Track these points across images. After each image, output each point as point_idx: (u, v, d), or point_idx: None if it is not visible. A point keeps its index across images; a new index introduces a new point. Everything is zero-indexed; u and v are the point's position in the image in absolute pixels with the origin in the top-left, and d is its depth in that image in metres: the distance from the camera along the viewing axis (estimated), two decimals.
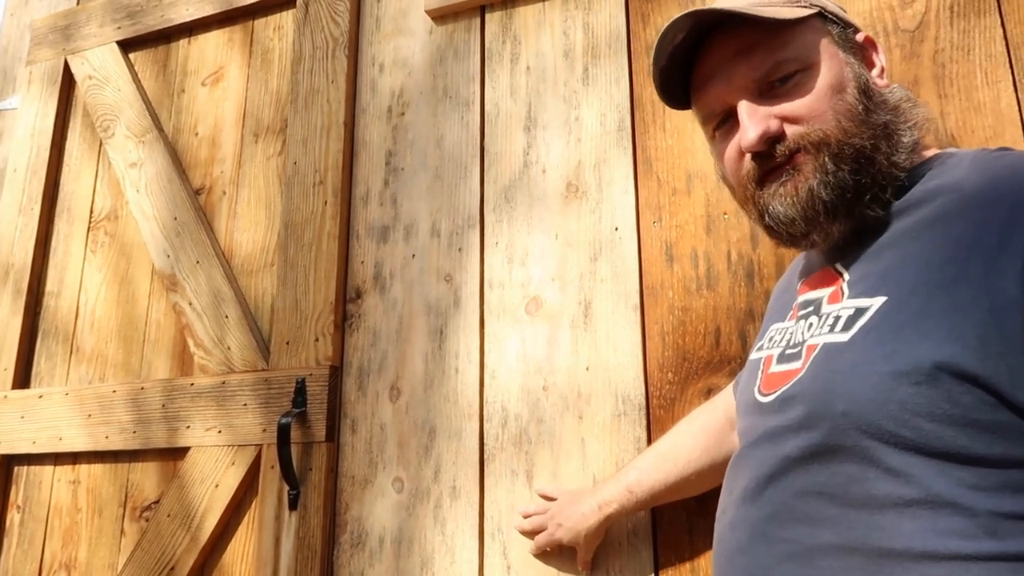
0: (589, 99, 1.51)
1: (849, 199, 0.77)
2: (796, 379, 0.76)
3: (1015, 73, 1.21)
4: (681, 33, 0.83)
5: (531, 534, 1.31)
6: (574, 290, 1.42)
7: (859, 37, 0.87)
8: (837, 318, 0.75)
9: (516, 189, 1.53)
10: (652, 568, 1.25)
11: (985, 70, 1.23)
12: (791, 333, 0.84)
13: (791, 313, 0.88)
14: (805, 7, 0.84)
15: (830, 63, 0.82)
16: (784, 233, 0.82)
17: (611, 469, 1.30)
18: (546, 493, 1.32)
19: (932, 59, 1.26)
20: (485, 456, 1.41)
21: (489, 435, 1.42)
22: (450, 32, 1.67)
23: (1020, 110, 1.19)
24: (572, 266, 1.44)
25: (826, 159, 0.77)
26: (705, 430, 1.12)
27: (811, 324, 0.80)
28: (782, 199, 0.79)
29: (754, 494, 0.76)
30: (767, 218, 0.82)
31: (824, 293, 0.81)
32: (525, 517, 1.32)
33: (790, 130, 0.79)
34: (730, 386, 1.16)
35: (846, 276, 0.79)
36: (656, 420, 1.30)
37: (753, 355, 0.94)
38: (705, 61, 0.86)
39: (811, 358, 0.75)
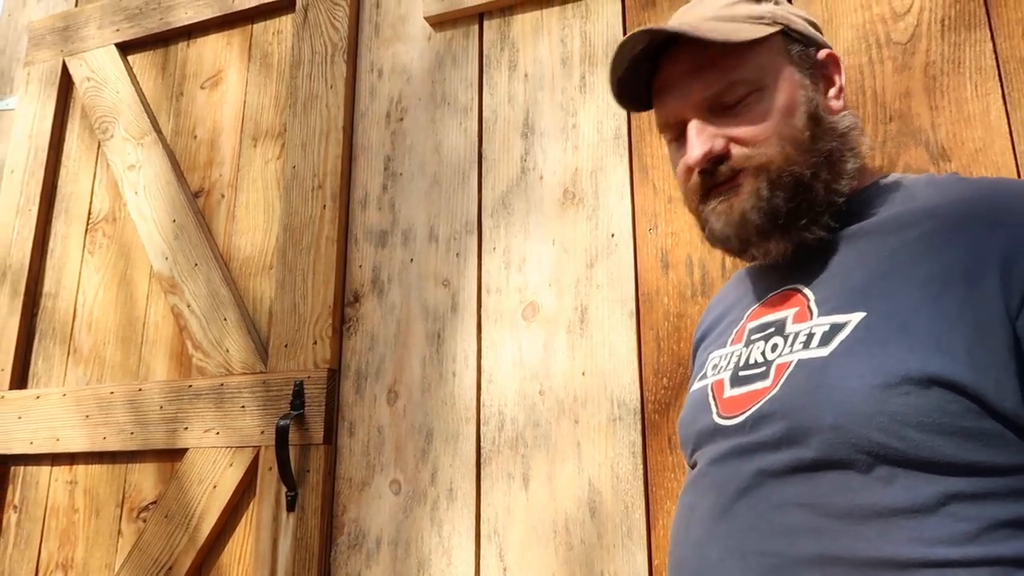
0: (586, 107, 1.52)
1: (781, 224, 0.80)
2: (768, 397, 0.76)
3: (1004, 86, 1.23)
4: (640, 45, 0.85)
5: None
6: (570, 296, 1.44)
7: (821, 55, 0.86)
8: (811, 335, 0.75)
9: (514, 195, 1.54)
10: (647, 571, 1.27)
11: (975, 83, 1.25)
12: (740, 356, 0.83)
13: (733, 338, 0.88)
14: (767, 24, 0.84)
15: (783, 85, 0.83)
16: (721, 247, 0.86)
17: (606, 473, 1.32)
18: None
19: (924, 71, 1.29)
20: (482, 459, 1.43)
21: (486, 438, 1.44)
22: (448, 39, 1.69)
23: (1009, 122, 1.22)
24: (569, 272, 1.45)
25: (763, 184, 0.80)
26: None
27: (775, 344, 0.79)
28: (719, 216, 0.83)
29: (723, 510, 0.75)
30: (707, 231, 0.86)
31: (787, 313, 0.81)
32: None
33: (735, 151, 0.81)
34: None
35: (812, 296, 0.79)
36: (651, 425, 1.32)
37: (695, 385, 0.92)
38: (664, 71, 0.87)
39: (784, 375, 0.75)
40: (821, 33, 0.91)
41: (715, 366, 0.88)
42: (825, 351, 0.72)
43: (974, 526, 0.63)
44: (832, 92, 0.86)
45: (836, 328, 0.73)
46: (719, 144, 0.82)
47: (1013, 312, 0.64)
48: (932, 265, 0.69)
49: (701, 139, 0.82)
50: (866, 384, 0.68)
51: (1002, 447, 0.64)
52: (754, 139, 0.81)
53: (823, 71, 0.86)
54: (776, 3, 0.87)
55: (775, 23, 0.84)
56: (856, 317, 0.72)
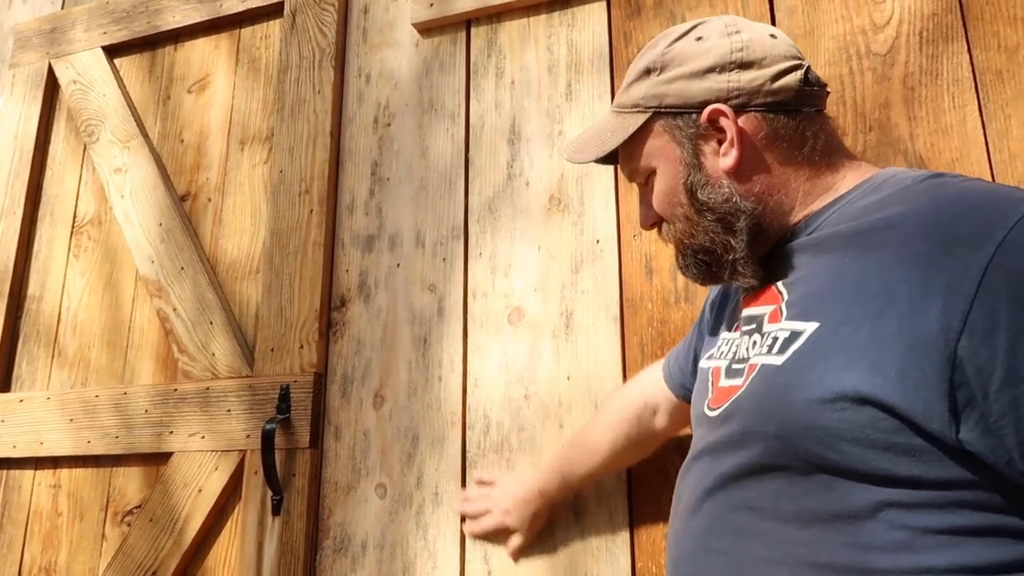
0: (572, 114, 1.54)
1: (713, 271, 0.88)
2: (736, 396, 0.81)
3: (980, 97, 1.26)
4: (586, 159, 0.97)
5: (473, 516, 1.38)
6: (556, 301, 1.45)
7: (704, 115, 0.84)
8: (775, 339, 0.78)
9: (500, 201, 1.56)
10: (630, 574, 1.28)
11: (952, 94, 1.28)
12: (738, 347, 0.87)
13: (736, 324, 0.91)
14: (640, 111, 0.89)
15: (666, 167, 0.89)
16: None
17: None
18: (484, 479, 1.40)
19: (902, 83, 1.31)
20: (467, 463, 1.44)
21: (471, 442, 1.45)
22: (436, 45, 1.70)
23: (985, 133, 1.25)
24: (554, 278, 1.47)
25: (678, 252, 0.91)
26: (623, 419, 1.21)
27: (755, 342, 0.83)
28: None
29: (695, 507, 0.82)
30: None
31: (766, 311, 0.84)
32: (465, 501, 1.40)
33: (663, 222, 0.93)
34: (652, 368, 1.23)
35: (785, 296, 0.82)
36: None
37: (703, 363, 0.96)
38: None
39: (750, 377, 0.80)
40: (776, 38, 0.87)
41: (720, 350, 0.92)
42: (780, 359, 0.76)
43: (909, 535, 0.66)
44: (723, 147, 0.85)
45: (794, 336, 0.76)
46: (652, 216, 0.93)
47: (954, 334, 0.64)
48: (881, 282, 0.70)
49: (642, 208, 0.95)
50: (804, 397, 0.71)
51: (935, 463, 0.66)
52: (663, 214, 0.91)
53: (714, 126, 0.85)
54: (661, 70, 0.88)
55: (646, 108, 0.88)
56: (810, 327, 0.74)
